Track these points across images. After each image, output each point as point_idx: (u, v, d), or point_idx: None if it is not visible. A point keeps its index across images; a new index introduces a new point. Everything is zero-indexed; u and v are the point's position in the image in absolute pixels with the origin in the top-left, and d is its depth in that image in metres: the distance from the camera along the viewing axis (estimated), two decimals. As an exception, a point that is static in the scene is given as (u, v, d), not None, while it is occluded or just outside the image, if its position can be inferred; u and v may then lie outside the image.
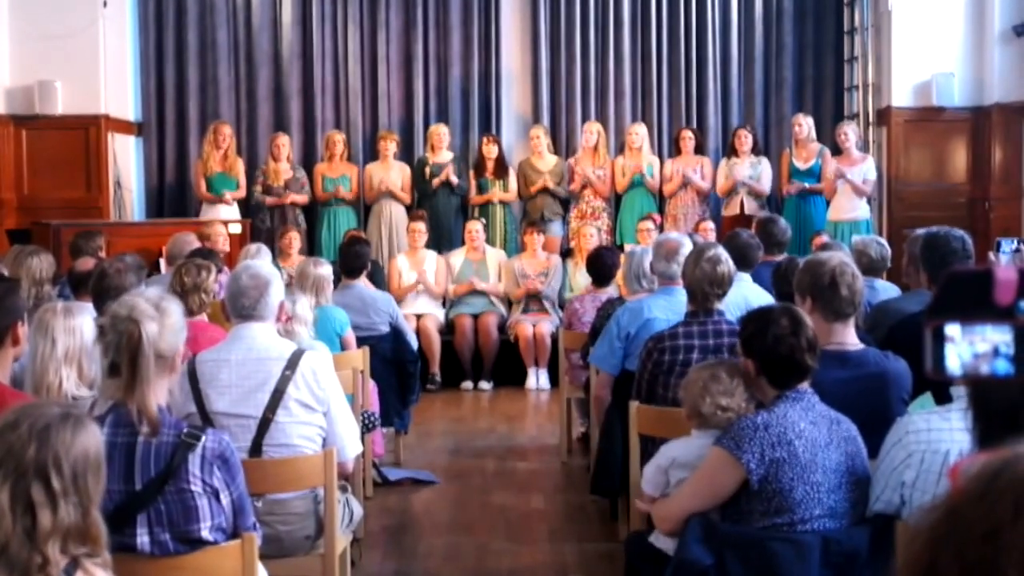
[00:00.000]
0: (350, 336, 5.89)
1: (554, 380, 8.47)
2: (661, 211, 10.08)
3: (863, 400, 3.33)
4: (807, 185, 9.79)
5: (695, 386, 3.34)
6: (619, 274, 6.60)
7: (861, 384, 3.45)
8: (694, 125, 10.73)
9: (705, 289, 4.23)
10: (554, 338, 8.36)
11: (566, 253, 9.76)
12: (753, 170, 9.95)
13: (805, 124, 10.03)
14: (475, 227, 9.60)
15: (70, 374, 3.41)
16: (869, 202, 9.79)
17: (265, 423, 3.52)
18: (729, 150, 10.21)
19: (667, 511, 3.21)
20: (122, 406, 2.83)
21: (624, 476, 4.38)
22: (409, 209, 10.11)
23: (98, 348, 2.94)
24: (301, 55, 10.96)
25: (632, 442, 4.07)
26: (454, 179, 10.01)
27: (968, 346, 1.38)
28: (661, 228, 9.30)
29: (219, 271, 5.60)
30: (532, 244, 9.44)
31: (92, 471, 2.08)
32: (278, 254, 8.87)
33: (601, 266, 6.90)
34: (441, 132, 10.23)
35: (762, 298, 4.92)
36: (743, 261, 5.30)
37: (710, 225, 9.22)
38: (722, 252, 4.29)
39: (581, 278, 8.77)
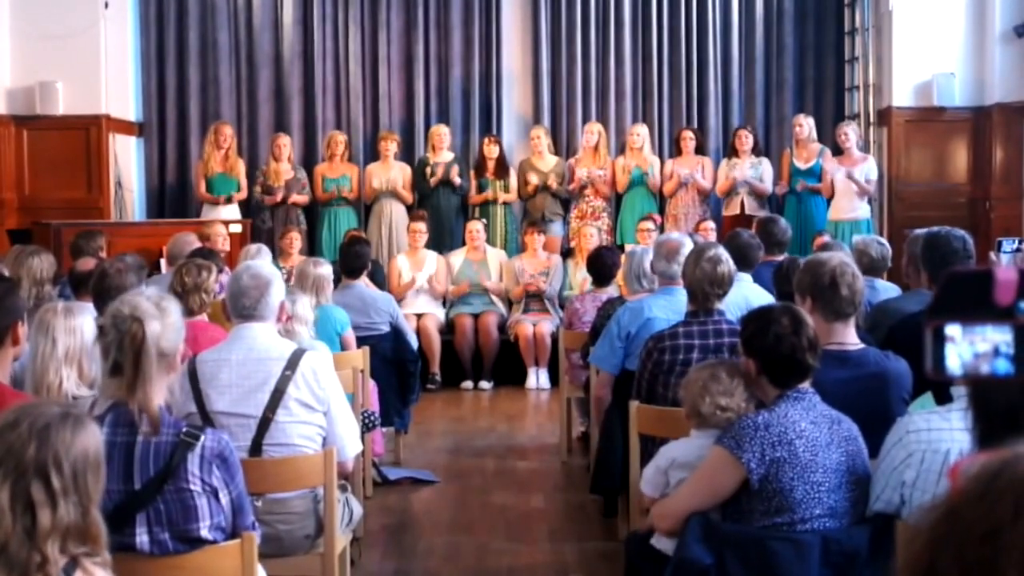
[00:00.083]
0: (350, 336, 5.90)
1: (554, 380, 8.47)
2: (661, 211, 10.08)
3: (863, 400, 3.33)
4: (807, 184, 9.79)
5: (695, 386, 3.34)
6: (619, 274, 6.60)
7: (861, 384, 3.45)
8: (695, 125, 10.73)
9: (705, 289, 4.23)
10: (554, 338, 8.37)
11: (566, 253, 9.77)
12: (754, 170, 9.95)
13: (806, 124, 10.04)
14: (476, 227, 9.60)
15: (70, 374, 3.42)
16: (870, 202, 9.80)
17: (265, 423, 3.52)
18: (730, 150, 10.21)
19: (667, 510, 3.21)
20: (122, 405, 2.83)
21: (624, 475, 4.38)
22: (410, 209, 10.11)
23: (98, 348, 2.94)
24: (302, 56, 10.96)
25: (632, 442, 4.08)
26: (456, 179, 10.01)
27: (968, 346, 1.38)
28: (661, 228, 9.30)
29: (220, 271, 5.60)
30: (533, 244, 9.45)
31: (92, 470, 2.08)
32: (279, 254, 8.88)
33: (601, 266, 6.90)
34: (442, 132, 10.24)
35: (762, 298, 4.92)
36: (743, 261, 5.30)
37: (711, 225, 9.22)
38: (722, 252, 4.29)
39: (581, 278, 8.77)
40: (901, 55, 10.13)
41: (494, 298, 9.41)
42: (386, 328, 6.46)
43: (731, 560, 2.94)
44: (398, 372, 6.49)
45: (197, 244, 7.10)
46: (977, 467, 1.19)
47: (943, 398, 2.96)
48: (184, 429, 2.84)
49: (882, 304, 4.76)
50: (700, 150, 10.29)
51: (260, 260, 5.44)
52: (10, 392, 3.20)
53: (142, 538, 2.81)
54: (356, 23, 10.94)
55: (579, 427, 6.99)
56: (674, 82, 11.04)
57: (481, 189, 10.22)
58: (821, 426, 3.04)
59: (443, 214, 10.14)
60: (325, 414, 3.61)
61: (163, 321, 2.87)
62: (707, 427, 3.30)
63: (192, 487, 2.81)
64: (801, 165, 9.89)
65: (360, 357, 5.57)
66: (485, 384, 9.08)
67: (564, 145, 10.89)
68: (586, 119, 10.78)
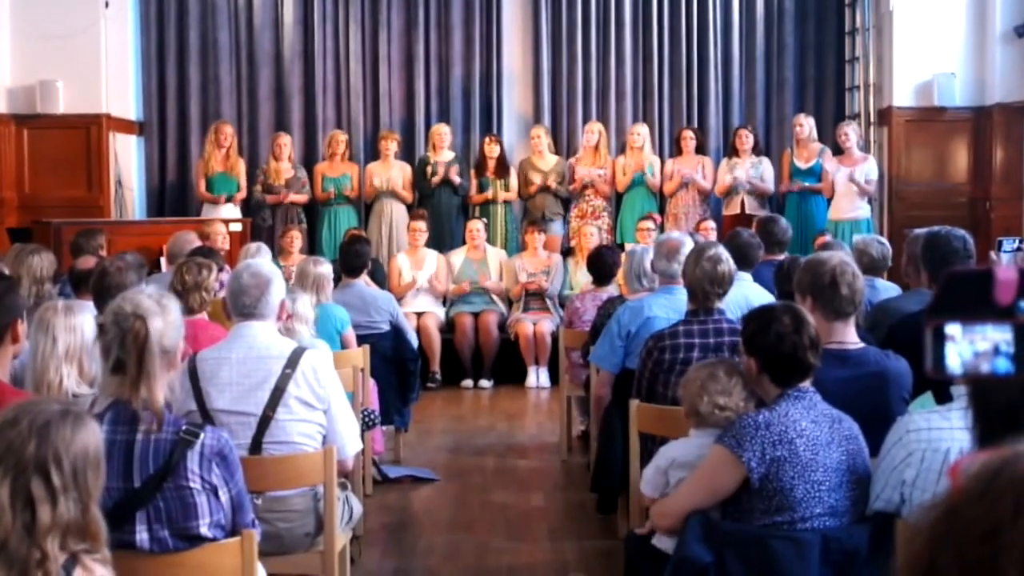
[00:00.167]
0: (350, 334, 5.90)
1: (554, 378, 8.47)
2: (661, 211, 10.09)
3: (863, 399, 3.33)
4: (805, 184, 9.80)
5: (693, 385, 3.34)
6: (620, 273, 6.60)
7: (861, 383, 3.45)
8: (695, 125, 10.73)
9: (706, 288, 4.23)
10: (554, 336, 8.37)
11: (567, 252, 9.77)
12: (755, 170, 9.96)
13: (806, 124, 10.04)
14: (476, 226, 9.61)
15: (71, 372, 3.42)
16: (870, 202, 9.80)
17: (265, 421, 3.52)
18: (730, 150, 10.21)
19: (667, 509, 3.21)
20: (122, 403, 2.83)
21: (624, 474, 4.38)
22: (410, 208, 10.11)
23: (98, 346, 2.95)
24: (302, 55, 10.96)
25: (632, 441, 4.08)
26: (456, 179, 10.02)
27: (969, 345, 1.38)
28: (662, 228, 9.30)
29: (220, 269, 5.60)
30: (533, 243, 9.46)
31: (91, 467, 2.08)
32: (279, 253, 8.88)
33: (602, 265, 6.90)
34: (443, 132, 10.24)
35: (763, 297, 4.92)
36: (744, 260, 5.30)
37: (711, 225, 9.22)
38: (723, 251, 4.29)
39: (582, 277, 8.77)
40: (901, 55, 10.13)
41: (494, 297, 9.42)
42: (386, 327, 6.46)
43: (731, 559, 2.95)
44: (398, 371, 6.49)
45: (197, 243, 7.10)
46: (977, 466, 1.19)
47: (943, 397, 2.96)
48: (184, 427, 2.85)
49: (882, 303, 4.76)
50: (700, 150, 10.29)
51: (260, 259, 5.43)
52: (10, 390, 3.21)
53: (142, 536, 2.81)
54: (356, 22, 10.94)
55: (579, 426, 6.99)
56: (674, 82, 11.04)
57: (481, 188, 10.23)
58: (822, 425, 3.04)
59: (443, 213, 10.14)
60: (325, 412, 3.61)
61: (165, 318, 2.88)
62: (706, 426, 3.30)
63: (192, 485, 2.82)
64: (801, 165, 9.89)
65: (360, 356, 5.57)
66: (485, 383, 9.09)
67: (564, 145, 10.89)
68: (586, 119, 10.78)
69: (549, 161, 10.22)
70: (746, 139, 10.03)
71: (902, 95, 10.16)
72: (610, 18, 10.98)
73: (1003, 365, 1.37)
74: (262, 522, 3.24)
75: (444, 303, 9.42)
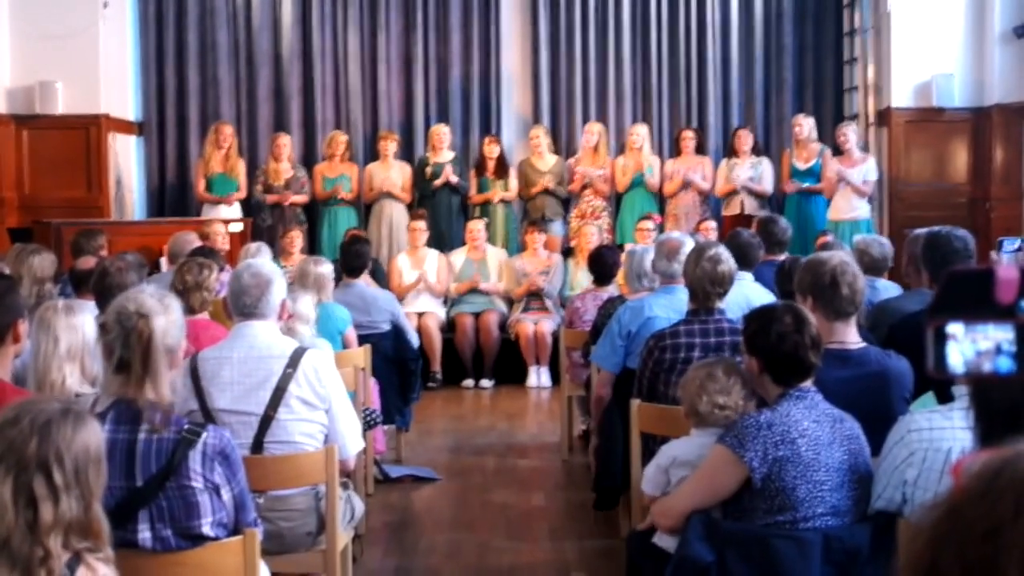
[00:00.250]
0: (351, 334, 5.90)
1: (555, 378, 8.48)
2: (661, 211, 10.09)
3: (864, 399, 3.33)
4: (805, 185, 9.80)
5: (692, 385, 3.34)
6: (620, 273, 6.61)
7: (862, 383, 3.45)
8: (695, 125, 10.73)
9: (706, 288, 4.24)
10: (555, 336, 8.37)
11: (567, 252, 9.77)
12: (754, 170, 9.96)
13: (805, 124, 10.04)
14: (476, 226, 9.61)
15: (72, 371, 3.43)
16: (870, 202, 9.80)
17: (267, 420, 3.52)
18: (729, 150, 10.22)
19: (669, 508, 3.22)
20: (124, 402, 2.84)
21: (625, 474, 4.39)
22: (410, 208, 10.12)
23: (100, 345, 2.95)
24: (301, 55, 10.96)
25: (633, 440, 4.08)
26: (454, 179, 10.02)
27: (970, 344, 1.38)
28: (661, 228, 9.30)
29: (220, 269, 5.61)
30: (533, 243, 9.46)
31: (93, 466, 2.09)
32: (280, 253, 8.88)
33: (602, 265, 6.91)
34: (442, 132, 10.24)
35: (763, 297, 4.92)
36: (744, 260, 5.30)
37: (711, 225, 9.23)
38: (723, 251, 4.29)
39: (582, 277, 8.78)
40: (900, 56, 10.12)
41: (495, 297, 9.42)
42: (387, 327, 6.46)
43: (732, 558, 2.95)
44: (399, 370, 6.50)
45: (198, 243, 7.11)
46: (979, 465, 1.19)
47: (945, 397, 2.96)
48: (186, 426, 2.85)
49: (883, 303, 4.76)
50: (700, 150, 10.29)
51: (260, 259, 5.44)
52: (11, 389, 3.21)
53: (144, 534, 2.81)
54: (355, 23, 10.95)
55: (580, 425, 7.00)
56: (674, 82, 11.05)
57: (481, 189, 10.23)
58: (823, 425, 3.04)
59: (443, 214, 10.14)
60: (327, 412, 3.61)
61: (167, 317, 2.90)
62: (706, 426, 3.31)
63: (194, 484, 2.82)
64: (801, 165, 9.89)
65: (361, 355, 5.58)
66: (486, 382, 9.09)
67: (564, 145, 10.89)
68: (586, 119, 10.78)
69: (548, 161, 10.22)
70: (745, 139, 10.04)
71: (901, 96, 10.16)
72: (609, 19, 10.98)
73: (1005, 364, 1.37)
74: (264, 521, 3.25)
75: (445, 303, 9.42)
